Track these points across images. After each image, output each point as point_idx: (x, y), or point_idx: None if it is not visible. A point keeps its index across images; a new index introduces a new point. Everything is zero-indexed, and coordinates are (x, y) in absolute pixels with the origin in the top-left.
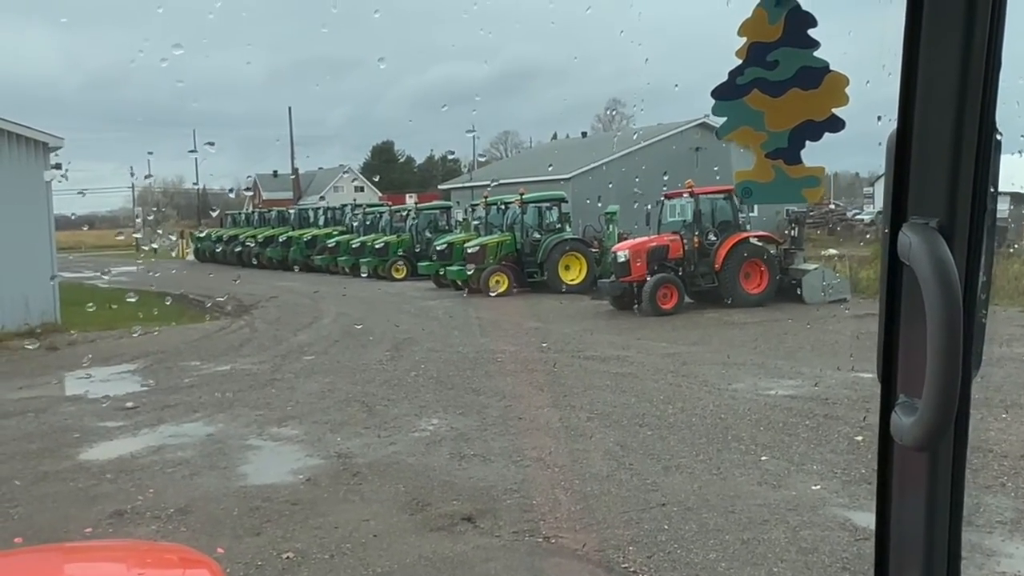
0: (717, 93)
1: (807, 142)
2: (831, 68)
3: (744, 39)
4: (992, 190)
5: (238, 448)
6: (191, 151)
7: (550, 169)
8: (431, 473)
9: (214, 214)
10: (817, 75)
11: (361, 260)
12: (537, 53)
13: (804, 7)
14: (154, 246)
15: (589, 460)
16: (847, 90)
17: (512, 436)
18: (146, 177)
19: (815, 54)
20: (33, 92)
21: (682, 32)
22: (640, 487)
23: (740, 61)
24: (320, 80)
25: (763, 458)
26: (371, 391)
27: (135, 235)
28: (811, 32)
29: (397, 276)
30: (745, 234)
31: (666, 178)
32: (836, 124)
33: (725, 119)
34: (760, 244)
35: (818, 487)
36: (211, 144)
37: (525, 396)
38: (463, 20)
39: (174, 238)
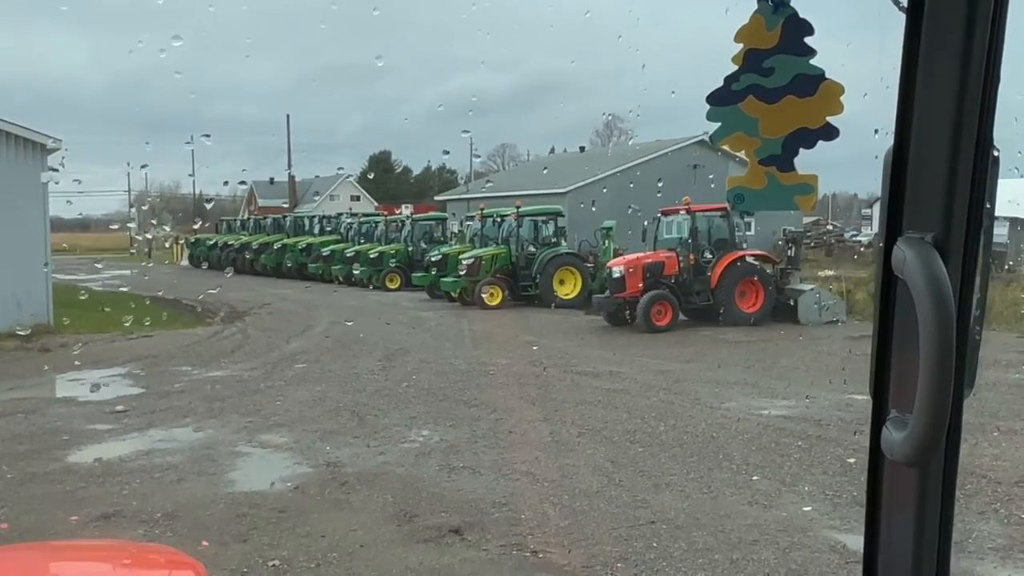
0: (712, 98)
1: (801, 150)
2: (827, 76)
3: (741, 45)
4: (988, 206)
5: (227, 454)
6: (187, 142)
7: (546, 180)
8: (420, 484)
9: (196, 226)
10: (813, 83)
11: (355, 269)
12: (538, 68)
13: (802, 16)
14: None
15: (579, 475)
16: (842, 98)
17: (502, 449)
18: (145, 200)
19: (811, 62)
20: (41, 93)
21: (684, 50)
22: (630, 504)
23: (736, 67)
24: (333, 90)
25: (754, 478)
26: (362, 400)
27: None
28: (808, 40)
29: (391, 286)
30: (741, 252)
31: (659, 194)
32: (830, 132)
33: (719, 124)
34: (756, 263)
35: (809, 508)
36: (207, 136)
37: (516, 410)
38: (463, 36)
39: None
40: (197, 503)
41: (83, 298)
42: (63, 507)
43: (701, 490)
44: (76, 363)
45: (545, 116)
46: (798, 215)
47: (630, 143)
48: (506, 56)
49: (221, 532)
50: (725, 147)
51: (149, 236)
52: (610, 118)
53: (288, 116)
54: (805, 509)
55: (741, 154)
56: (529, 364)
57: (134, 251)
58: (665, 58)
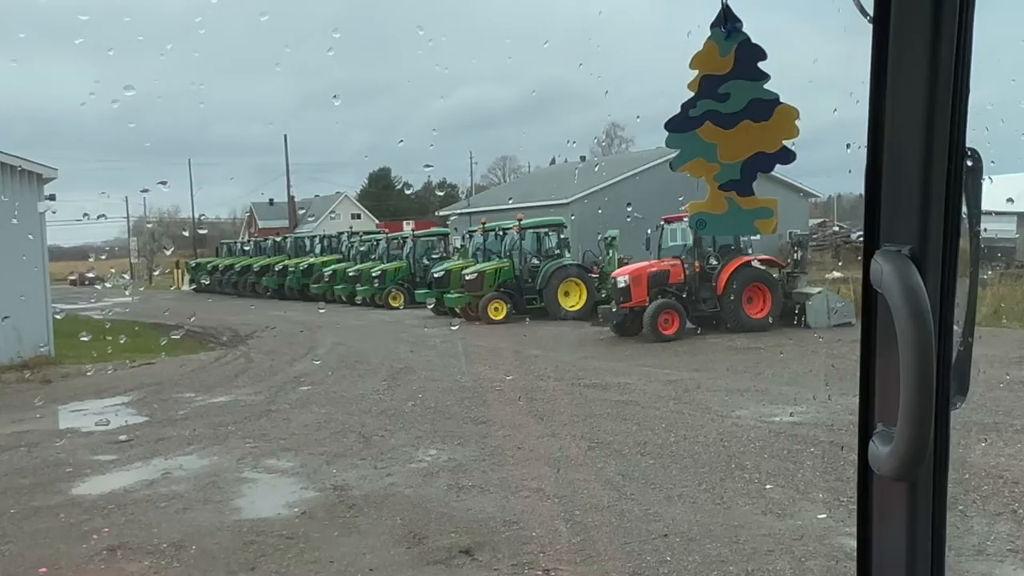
0: (670, 125)
1: (759, 174)
2: (781, 100)
3: (696, 72)
4: (967, 214)
5: (233, 481)
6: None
7: (548, 191)
8: (428, 505)
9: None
10: (768, 107)
11: (358, 288)
12: (537, 79)
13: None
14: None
15: (589, 490)
16: (797, 122)
17: (511, 466)
18: (144, 226)
19: (765, 86)
20: (39, 122)
21: (669, 64)
22: (642, 517)
23: (692, 93)
24: (334, 109)
25: (768, 487)
26: (368, 422)
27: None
28: (761, 65)
29: (394, 304)
30: (747, 258)
31: (662, 201)
32: (787, 156)
33: (678, 151)
34: (763, 268)
35: (824, 515)
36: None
37: (524, 425)
38: (462, 50)
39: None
40: (204, 532)
41: (84, 338)
42: (68, 541)
43: (714, 501)
44: (78, 394)
45: (545, 127)
46: (804, 217)
47: (631, 151)
48: (507, 68)
49: (228, 561)
50: (685, 173)
51: (147, 265)
52: (610, 126)
53: (286, 137)
54: (820, 517)
55: (701, 180)
56: (536, 378)
57: (127, 279)
58: (663, 67)
